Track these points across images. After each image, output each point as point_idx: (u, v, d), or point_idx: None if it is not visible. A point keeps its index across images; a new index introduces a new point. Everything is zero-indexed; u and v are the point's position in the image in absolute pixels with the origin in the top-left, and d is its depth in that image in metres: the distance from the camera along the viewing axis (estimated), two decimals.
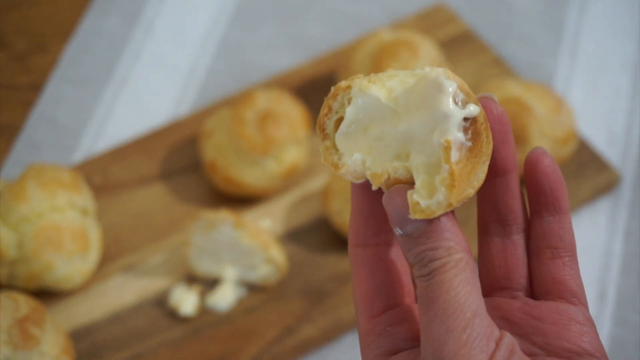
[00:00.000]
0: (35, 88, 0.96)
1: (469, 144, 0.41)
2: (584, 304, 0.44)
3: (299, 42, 1.00)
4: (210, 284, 0.80)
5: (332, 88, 0.43)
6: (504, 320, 0.44)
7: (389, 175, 0.41)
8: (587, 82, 0.95)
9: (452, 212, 0.42)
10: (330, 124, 0.43)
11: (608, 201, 0.85)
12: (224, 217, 0.77)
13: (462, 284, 0.40)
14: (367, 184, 0.44)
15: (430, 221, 0.41)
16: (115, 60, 0.98)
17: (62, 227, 0.78)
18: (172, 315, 0.78)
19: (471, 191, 0.41)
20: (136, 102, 0.95)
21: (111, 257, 0.82)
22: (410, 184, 0.41)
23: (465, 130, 0.41)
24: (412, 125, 0.41)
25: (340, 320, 0.78)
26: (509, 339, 0.40)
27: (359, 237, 0.45)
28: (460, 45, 0.95)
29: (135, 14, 1.02)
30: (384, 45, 0.87)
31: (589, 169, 0.85)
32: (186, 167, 0.88)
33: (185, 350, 0.77)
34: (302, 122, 0.85)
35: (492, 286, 0.46)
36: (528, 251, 0.45)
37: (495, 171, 0.45)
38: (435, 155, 0.40)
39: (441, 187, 0.40)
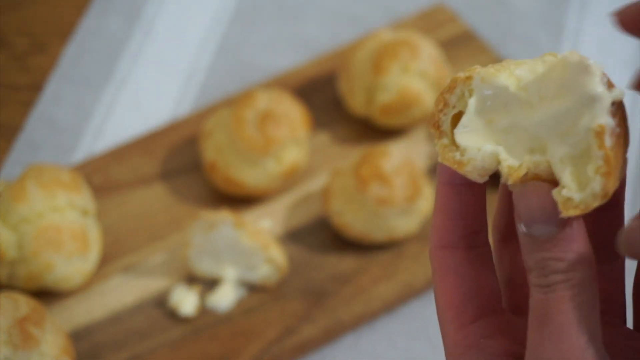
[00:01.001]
0: (35, 88, 0.96)
1: (618, 130, 0.37)
2: None
3: (299, 42, 1.00)
4: (210, 284, 0.80)
5: (448, 81, 0.39)
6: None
7: (527, 170, 0.38)
8: None
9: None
10: (447, 121, 0.39)
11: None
12: (224, 217, 0.77)
13: (584, 306, 0.36)
14: (457, 181, 0.40)
15: (562, 226, 0.36)
16: (115, 60, 0.98)
17: (62, 227, 0.78)
18: (172, 315, 0.78)
19: (617, 183, 0.37)
20: (136, 102, 0.95)
21: (111, 257, 0.82)
22: (549, 181, 0.38)
23: (613, 115, 0.37)
24: (550, 114, 0.38)
25: (340, 320, 0.77)
26: None
27: (447, 239, 0.41)
28: (460, 45, 0.95)
29: (135, 14, 1.02)
30: (384, 45, 0.87)
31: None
32: (186, 167, 0.88)
33: (185, 350, 0.77)
34: (302, 122, 0.85)
35: None
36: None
37: None
38: (580, 146, 0.37)
39: (596, 176, 0.36)
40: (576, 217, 0.37)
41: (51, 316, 0.74)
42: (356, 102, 0.88)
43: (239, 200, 0.84)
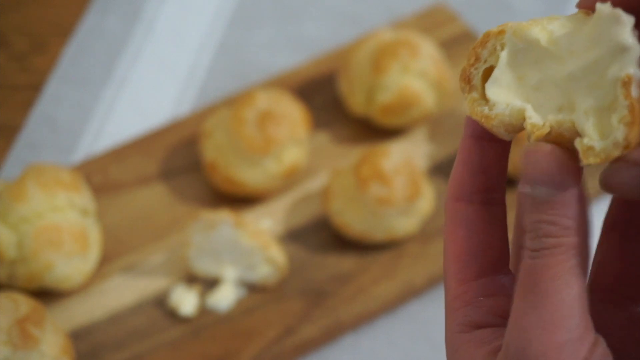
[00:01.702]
0: (35, 88, 0.96)
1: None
2: None
3: (299, 42, 1.00)
4: (210, 284, 0.80)
5: (481, 35, 0.39)
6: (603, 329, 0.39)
7: (551, 129, 0.37)
8: None
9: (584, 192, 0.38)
10: (477, 75, 0.39)
11: (608, 201, 0.85)
12: (224, 217, 0.77)
13: (569, 273, 0.35)
14: (483, 135, 0.40)
15: (562, 190, 0.36)
16: (115, 60, 0.98)
17: (62, 227, 0.78)
18: (172, 315, 0.78)
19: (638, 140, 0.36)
20: (136, 102, 0.95)
21: (111, 257, 0.82)
22: (573, 140, 0.37)
23: None
24: (580, 67, 0.37)
25: (340, 320, 0.77)
26: (602, 348, 0.36)
27: (463, 191, 0.40)
28: (460, 45, 0.95)
29: (135, 13, 1.02)
30: (384, 45, 0.87)
31: (589, 169, 0.85)
32: (186, 167, 0.88)
33: (185, 350, 0.76)
34: (302, 122, 0.85)
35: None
36: None
37: None
38: (607, 98, 0.37)
39: (619, 125, 0.36)
40: (578, 184, 0.37)
41: (51, 316, 0.74)
42: (356, 102, 0.88)
43: (239, 200, 0.84)
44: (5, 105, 0.95)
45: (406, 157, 0.81)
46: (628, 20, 0.37)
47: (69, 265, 0.78)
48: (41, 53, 0.99)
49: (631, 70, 0.36)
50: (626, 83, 0.36)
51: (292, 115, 0.84)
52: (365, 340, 0.78)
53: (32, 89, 0.96)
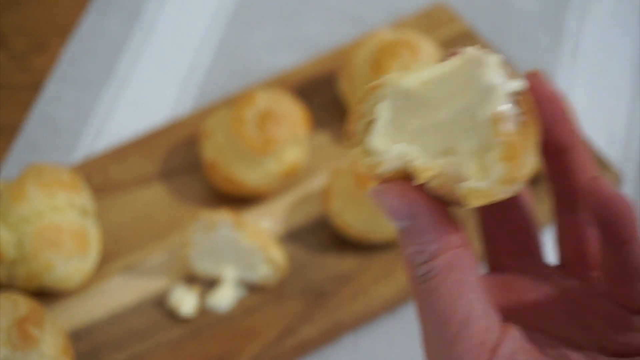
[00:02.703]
0: (35, 88, 0.96)
1: (519, 118, 0.38)
2: None
3: (299, 42, 1.00)
4: (210, 284, 0.80)
5: (361, 93, 0.40)
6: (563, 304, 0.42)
7: (440, 172, 0.38)
8: (588, 82, 0.95)
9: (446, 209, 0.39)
10: (361, 129, 0.40)
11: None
12: (224, 217, 0.77)
13: (450, 291, 0.38)
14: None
15: (413, 219, 0.38)
16: (115, 60, 0.98)
17: (62, 227, 0.78)
18: (172, 315, 0.78)
19: (526, 174, 0.38)
20: (136, 102, 0.95)
21: (111, 257, 0.82)
22: (460, 181, 0.38)
23: (514, 103, 0.38)
24: (456, 111, 0.39)
25: (340, 320, 0.77)
26: (509, 345, 0.38)
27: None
28: (460, 45, 0.95)
29: (135, 13, 1.02)
30: (384, 45, 0.87)
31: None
32: (186, 167, 0.88)
33: (185, 350, 0.76)
34: (302, 122, 0.85)
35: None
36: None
37: (552, 151, 0.42)
38: (485, 137, 0.38)
39: (497, 162, 0.37)
40: (429, 208, 0.38)
41: (51, 316, 0.74)
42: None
43: (239, 200, 0.84)
44: (5, 105, 0.95)
45: None
46: (492, 59, 0.38)
47: (69, 266, 0.78)
48: (41, 53, 0.99)
49: (499, 107, 0.37)
50: (497, 120, 0.37)
51: (292, 115, 0.84)
52: (365, 340, 0.78)
53: (32, 89, 0.96)
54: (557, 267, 0.45)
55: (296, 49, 0.99)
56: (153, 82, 0.97)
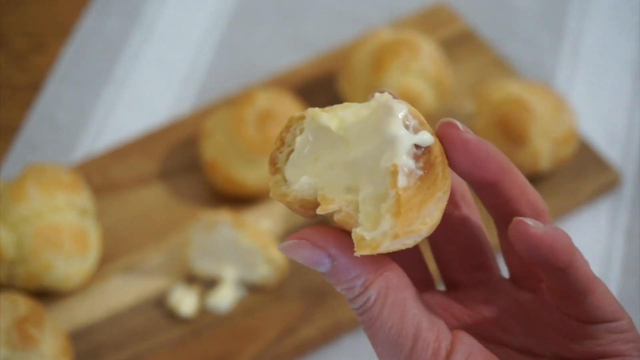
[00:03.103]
0: (35, 88, 0.96)
1: (420, 172, 0.38)
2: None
3: (299, 42, 1.00)
4: (210, 284, 0.80)
5: (286, 120, 0.41)
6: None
7: (339, 207, 0.39)
8: (588, 82, 0.95)
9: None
10: (282, 158, 0.41)
11: (609, 201, 0.85)
12: (223, 217, 0.77)
13: (391, 313, 0.39)
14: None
15: (333, 262, 0.39)
16: (114, 60, 0.98)
17: (62, 227, 0.78)
18: (172, 315, 0.78)
19: (423, 228, 0.38)
20: (136, 101, 0.95)
21: (111, 257, 0.82)
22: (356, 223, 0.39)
23: (416, 158, 0.38)
24: (362, 154, 0.39)
25: (340, 320, 0.77)
26: (462, 350, 0.39)
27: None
28: (460, 45, 0.95)
29: (135, 13, 1.02)
30: (384, 44, 0.86)
31: (590, 169, 0.85)
32: (186, 167, 0.87)
33: (184, 350, 0.76)
34: None
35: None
36: None
37: (482, 185, 0.42)
38: (382, 185, 0.38)
39: (386, 215, 0.37)
40: (342, 247, 0.39)
41: (51, 316, 0.74)
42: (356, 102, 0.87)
43: (239, 200, 0.84)
44: (5, 105, 0.95)
45: None
46: (399, 110, 0.38)
47: (69, 266, 0.78)
48: (41, 53, 0.99)
49: (398, 160, 0.38)
50: (393, 173, 0.37)
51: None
52: (365, 340, 0.78)
53: (32, 88, 0.96)
54: (510, 281, 0.45)
55: (296, 49, 0.99)
56: (153, 82, 0.97)
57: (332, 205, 0.39)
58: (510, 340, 0.43)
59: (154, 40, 1.00)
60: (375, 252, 0.37)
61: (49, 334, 0.71)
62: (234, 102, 0.88)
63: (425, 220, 0.38)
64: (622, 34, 0.99)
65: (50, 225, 0.77)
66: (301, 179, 0.40)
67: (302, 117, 0.41)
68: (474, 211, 0.45)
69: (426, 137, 0.39)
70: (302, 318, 0.78)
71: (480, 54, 0.94)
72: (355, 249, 0.38)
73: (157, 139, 0.89)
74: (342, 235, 0.39)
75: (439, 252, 0.46)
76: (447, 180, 0.39)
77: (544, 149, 0.81)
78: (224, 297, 0.78)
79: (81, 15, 1.02)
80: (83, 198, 0.81)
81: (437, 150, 0.39)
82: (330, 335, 0.77)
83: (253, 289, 0.79)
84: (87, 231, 0.80)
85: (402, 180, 0.37)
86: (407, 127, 0.39)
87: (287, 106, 0.84)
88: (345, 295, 0.40)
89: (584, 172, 0.85)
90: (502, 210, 0.43)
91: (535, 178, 0.83)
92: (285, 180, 0.40)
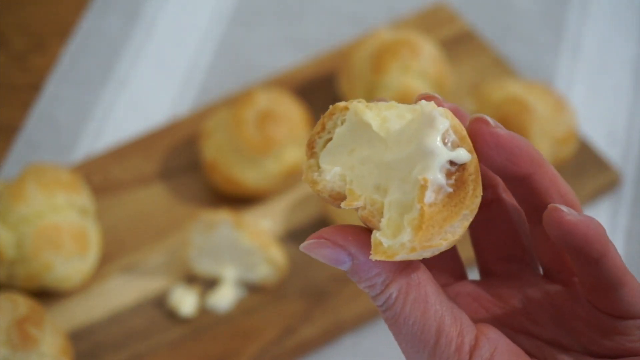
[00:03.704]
0: (35, 88, 0.96)
1: (450, 190, 0.38)
2: None
3: (299, 42, 1.00)
4: (210, 284, 0.80)
5: (330, 107, 0.41)
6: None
7: (364, 204, 0.39)
8: (588, 82, 0.95)
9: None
10: (320, 143, 0.41)
11: (609, 201, 0.85)
12: (223, 217, 0.77)
13: (413, 310, 0.39)
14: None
15: (354, 260, 0.39)
16: (114, 60, 0.98)
17: (62, 227, 0.78)
18: (172, 315, 0.78)
19: (442, 243, 0.38)
20: (136, 102, 0.95)
21: (111, 257, 0.82)
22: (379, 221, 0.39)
23: (449, 174, 0.38)
24: (397, 158, 0.39)
25: (340, 320, 0.77)
26: (486, 346, 0.39)
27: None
28: (460, 45, 0.95)
29: (135, 13, 1.02)
30: (384, 44, 0.86)
31: (590, 169, 0.85)
32: (186, 167, 0.87)
33: (184, 350, 0.76)
34: (302, 122, 0.84)
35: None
36: None
37: (515, 179, 0.42)
38: (410, 195, 0.38)
39: (408, 227, 0.38)
40: (362, 245, 0.39)
41: (51, 316, 0.74)
42: None
43: (239, 200, 0.84)
44: (5, 105, 0.95)
45: None
46: (441, 125, 0.38)
47: (69, 266, 0.78)
48: (41, 53, 0.99)
49: (429, 175, 0.38)
50: (422, 187, 0.37)
51: (292, 115, 0.84)
52: (365, 340, 0.78)
53: (32, 88, 0.96)
54: (542, 275, 0.45)
55: (296, 49, 0.99)
56: (153, 82, 0.97)
57: (358, 202, 0.39)
58: (539, 332, 0.43)
59: (154, 40, 1.00)
60: (390, 260, 0.38)
61: (48, 333, 0.71)
62: (234, 102, 0.88)
63: (446, 237, 0.38)
64: (622, 34, 0.99)
65: (50, 225, 0.77)
66: (333, 169, 0.40)
67: (346, 109, 0.40)
68: (513, 201, 0.45)
69: (462, 155, 0.38)
70: (302, 318, 0.78)
71: (480, 54, 0.94)
72: (371, 252, 0.38)
73: (157, 139, 0.89)
74: (363, 233, 0.39)
75: (477, 239, 0.46)
76: (476, 199, 0.39)
77: (544, 148, 0.81)
78: (224, 297, 0.78)
79: (81, 15, 1.02)
80: (83, 198, 0.81)
81: (473, 167, 0.39)
82: (330, 335, 0.77)
83: (253, 289, 0.79)
84: (87, 231, 0.80)
85: (429, 196, 0.38)
86: (445, 142, 0.38)
87: (287, 106, 0.84)
88: (368, 292, 0.40)
89: (583, 172, 0.85)
90: (534, 202, 0.42)
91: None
92: (318, 167, 0.41)
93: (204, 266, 0.79)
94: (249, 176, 0.83)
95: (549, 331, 0.43)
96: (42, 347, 0.69)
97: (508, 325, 0.43)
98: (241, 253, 0.78)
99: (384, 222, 0.38)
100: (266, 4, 1.03)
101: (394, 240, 0.38)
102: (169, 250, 0.82)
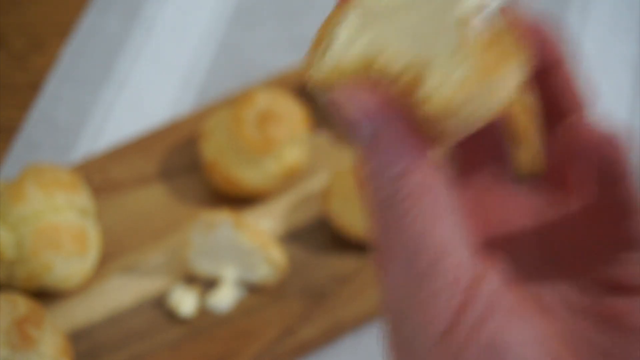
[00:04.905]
0: (34, 87, 0.96)
1: (491, 32, 0.34)
2: None
3: (299, 42, 0.99)
4: (210, 284, 0.80)
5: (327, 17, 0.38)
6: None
7: (407, 65, 0.34)
8: (588, 82, 0.95)
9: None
10: (324, 44, 0.37)
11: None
12: (223, 217, 0.77)
13: (424, 215, 0.31)
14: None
15: (381, 128, 0.32)
16: (114, 59, 0.98)
17: (61, 227, 0.78)
18: (172, 315, 0.78)
19: (500, 95, 0.33)
20: (136, 102, 0.95)
21: (110, 258, 0.82)
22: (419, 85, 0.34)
23: (487, 16, 0.35)
24: (422, 16, 0.35)
25: (340, 320, 0.77)
26: (487, 287, 0.32)
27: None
28: None
29: (135, 13, 1.02)
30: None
31: None
32: (186, 167, 0.87)
33: (184, 351, 0.76)
34: (302, 122, 0.84)
35: None
36: None
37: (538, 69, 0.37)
38: (451, 42, 0.34)
39: (459, 65, 0.33)
40: (397, 115, 0.33)
41: (50, 317, 0.74)
42: None
43: (239, 200, 0.84)
44: (4, 105, 0.95)
45: None
46: None
47: (68, 266, 0.78)
48: (40, 53, 0.99)
49: (468, 13, 0.34)
50: (463, 23, 0.34)
51: (292, 115, 0.84)
52: (365, 340, 0.78)
53: (32, 88, 0.96)
54: (544, 191, 0.41)
55: (296, 49, 0.99)
56: (153, 82, 0.97)
57: (398, 64, 0.34)
58: (524, 252, 0.38)
59: (154, 39, 1.00)
60: (444, 116, 0.32)
61: (48, 334, 0.70)
62: (234, 102, 0.88)
63: (498, 88, 0.34)
64: (623, 35, 0.99)
65: (50, 225, 0.77)
66: (361, 39, 0.35)
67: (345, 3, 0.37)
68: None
69: None
70: (302, 318, 0.78)
71: None
72: (423, 108, 0.32)
73: (157, 139, 0.89)
74: (397, 105, 0.33)
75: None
76: (521, 55, 0.35)
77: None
78: (224, 297, 0.78)
79: (81, 15, 1.02)
80: (83, 198, 0.81)
81: (509, 22, 0.36)
82: (330, 335, 0.77)
83: (253, 289, 0.79)
84: (87, 231, 0.80)
85: (472, 34, 0.34)
86: None
87: (287, 106, 0.84)
88: (373, 179, 0.33)
89: None
90: (552, 101, 0.39)
91: (536, 178, 0.83)
92: (330, 62, 0.36)
93: (203, 266, 0.79)
94: (249, 176, 0.83)
95: (532, 253, 0.38)
96: (42, 348, 0.69)
97: (488, 241, 0.38)
98: (241, 253, 0.78)
99: (435, 75, 0.33)
100: (266, 4, 1.03)
101: (446, 86, 0.33)
102: (168, 250, 0.82)
